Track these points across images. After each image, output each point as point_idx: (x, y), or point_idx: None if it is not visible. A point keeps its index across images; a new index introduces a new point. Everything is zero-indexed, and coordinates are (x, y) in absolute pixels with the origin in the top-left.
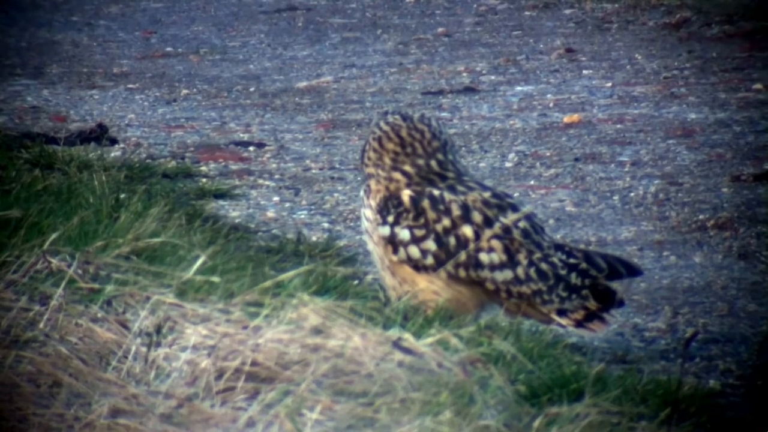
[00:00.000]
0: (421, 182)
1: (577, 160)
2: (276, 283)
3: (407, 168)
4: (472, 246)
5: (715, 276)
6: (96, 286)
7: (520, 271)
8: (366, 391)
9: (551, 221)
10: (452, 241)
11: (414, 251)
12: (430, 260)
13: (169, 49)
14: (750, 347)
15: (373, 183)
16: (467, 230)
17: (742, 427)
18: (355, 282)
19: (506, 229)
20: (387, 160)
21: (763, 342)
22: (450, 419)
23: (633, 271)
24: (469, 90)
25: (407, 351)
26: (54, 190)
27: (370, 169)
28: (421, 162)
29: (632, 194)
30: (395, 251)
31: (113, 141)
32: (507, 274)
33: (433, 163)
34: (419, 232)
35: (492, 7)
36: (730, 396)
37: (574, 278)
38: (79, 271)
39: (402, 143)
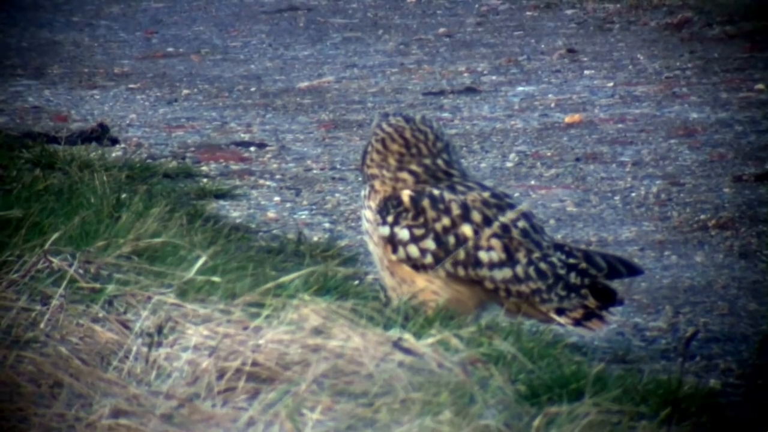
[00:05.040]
0: (428, 180)
1: (578, 160)
2: (277, 284)
3: (414, 167)
4: (471, 242)
5: (716, 275)
6: (97, 286)
7: (519, 269)
8: (366, 392)
9: (552, 221)
10: (451, 240)
11: (413, 250)
12: (429, 259)
13: (170, 49)
14: (751, 346)
15: (377, 183)
16: (466, 229)
17: (743, 427)
18: (356, 282)
19: (505, 228)
20: (392, 161)
21: (764, 341)
22: (450, 419)
23: (633, 270)
24: (470, 90)
25: (407, 351)
26: (55, 189)
27: (374, 170)
28: (427, 161)
29: (633, 194)
30: (394, 251)
31: (114, 141)
32: (506, 273)
33: (440, 162)
34: (418, 232)
35: (493, 8)
36: (731, 395)
37: (573, 277)
38: (80, 271)
39: (407, 144)
